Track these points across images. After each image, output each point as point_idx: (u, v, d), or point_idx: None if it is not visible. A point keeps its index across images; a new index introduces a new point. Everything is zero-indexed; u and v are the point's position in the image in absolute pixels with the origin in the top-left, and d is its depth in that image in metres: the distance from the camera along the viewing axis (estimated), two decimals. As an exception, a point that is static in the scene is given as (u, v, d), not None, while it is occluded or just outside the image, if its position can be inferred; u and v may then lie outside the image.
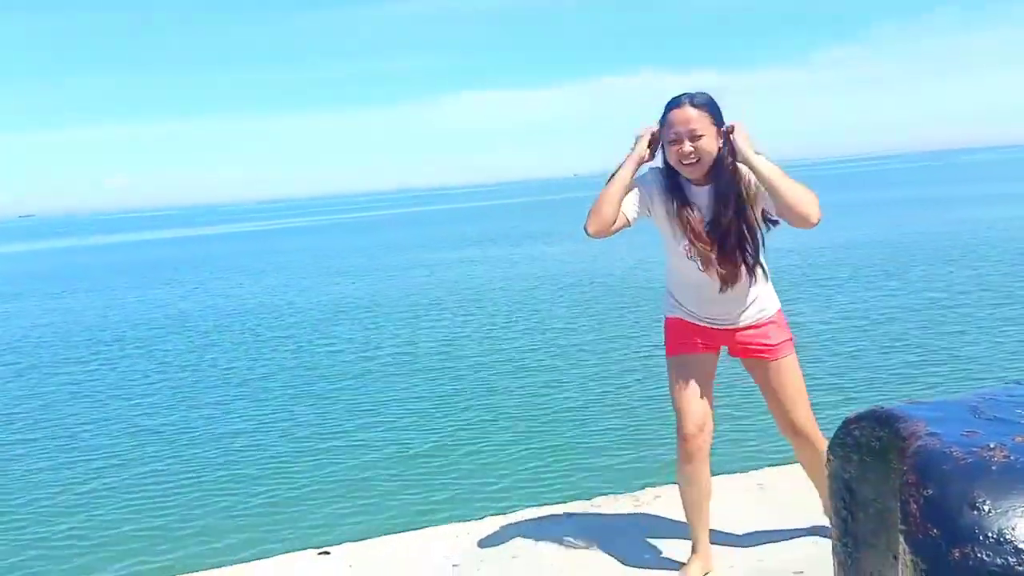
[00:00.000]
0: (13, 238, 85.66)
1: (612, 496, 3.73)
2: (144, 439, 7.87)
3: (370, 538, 3.62)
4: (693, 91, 2.71)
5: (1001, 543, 0.89)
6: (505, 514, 3.65)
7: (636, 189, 2.78)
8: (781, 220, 2.65)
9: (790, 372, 2.85)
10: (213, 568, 3.50)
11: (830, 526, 1.23)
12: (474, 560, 3.17)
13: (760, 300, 2.83)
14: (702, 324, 2.87)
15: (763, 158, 2.60)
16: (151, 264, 31.09)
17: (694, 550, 2.93)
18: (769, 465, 4.08)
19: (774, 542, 3.10)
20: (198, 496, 6.30)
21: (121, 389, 10.05)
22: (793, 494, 3.43)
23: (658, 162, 2.80)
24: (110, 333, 14.35)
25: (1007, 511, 0.91)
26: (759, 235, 2.75)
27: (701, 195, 2.73)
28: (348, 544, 3.51)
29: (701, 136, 2.62)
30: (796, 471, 3.59)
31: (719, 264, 2.72)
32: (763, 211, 2.71)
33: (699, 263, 2.75)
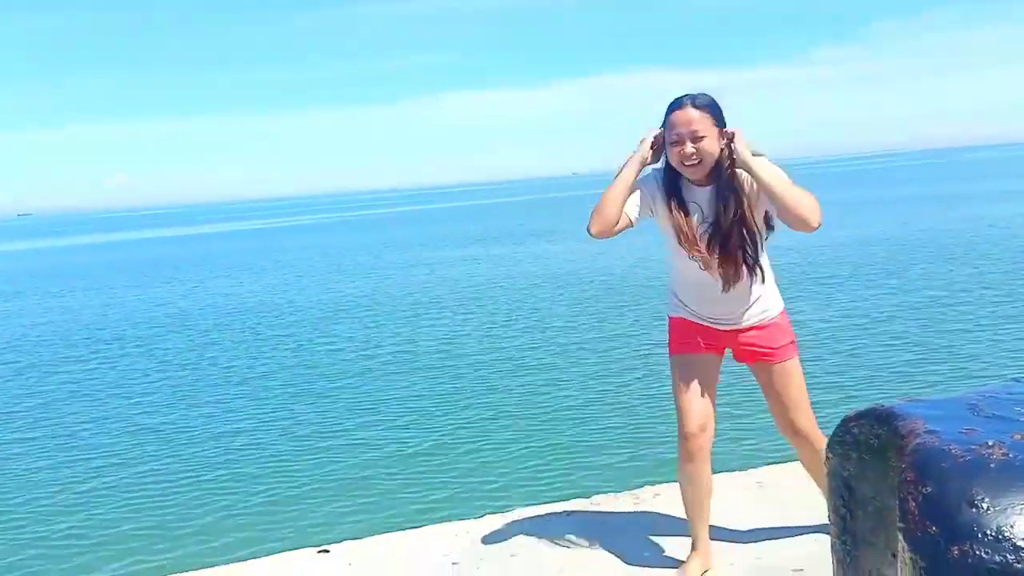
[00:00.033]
0: (12, 237, 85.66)
1: (612, 494, 3.73)
2: (144, 438, 7.87)
3: (369, 536, 3.62)
4: (695, 92, 2.71)
5: (1000, 540, 0.89)
6: (504, 512, 3.65)
7: (639, 190, 2.80)
8: (782, 223, 2.66)
9: (792, 374, 2.85)
10: (213, 566, 3.50)
11: (829, 524, 1.23)
12: (473, 558, 3.17)
13: (763, 300, 2.83)
14: (705, 324, 2.87)
15: (764, 163, 2.60)
16: (151, 263, 31.10)
17: (694, 548, 2.93)
18: (768, 463, 4.08)
19: (773, 540, 3.10)
20: (198, 494, 6.30)
21: (121, 388, 10.05)
22: (793, 492, 3.43)
23: (662, 164, 2.81)
24: (110, 332, 14.35)
25: (1006, 509, 0.91)
26: (760, 235, 2.75)
27: (702, 196, 2.74)
28: (348, 542, 3.51)
29: (703, 137, 2.63)
30: (795, 469, 3.59)
31: (720, 264, 2.72)
32: (766, 213, 2.72)
33: (700, 263, 2.75)
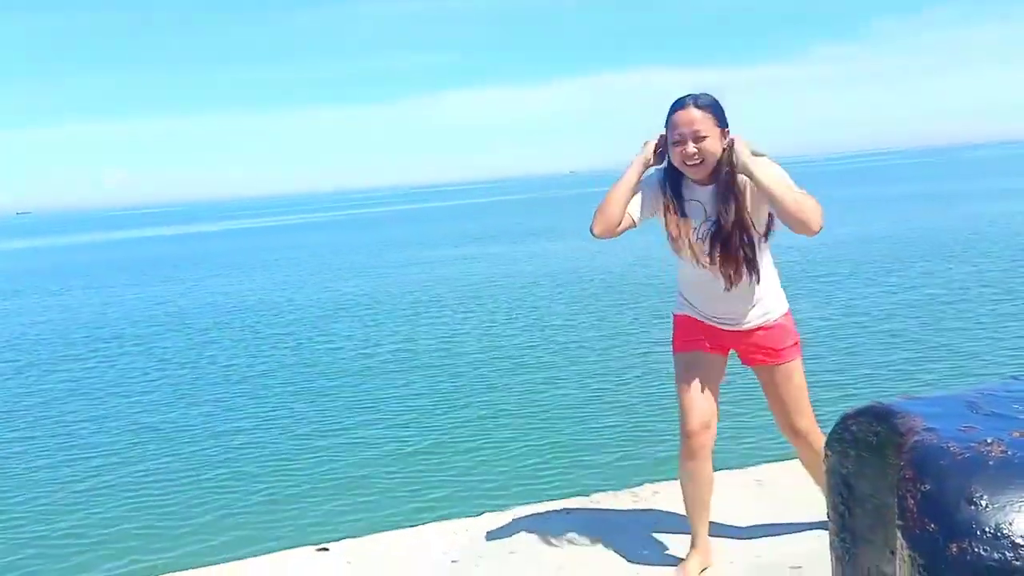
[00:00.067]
0: (11, 235, 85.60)
1: (611, 492, 3.73)
2: (143, 436, 7.87)
3: (368, 534, 3.62)
4: (697, 92, 2.72)
5: (999, 538, 0.89)
6: (504, 510, 3.65)
7: (642, 190, 2.82)
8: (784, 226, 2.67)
9: (794, 375, 2.86)
10: (212, 564, 3.50)
11: (828, 521, 1.23)
12: (472, 556, 3.17)
13: (768, 301, 2.84)
14: (710, 323, 2.87)
15: (764, 169, 2.60)
16: (150, 261, 31.09)
17: (693, 545, 2.94)
18: (767, 461, 4.08)
19: (772, 537, 3.10)
20: (197, 493, 6.31)
21: (120, 386, 10.05)
22: (791, 490, 3.43)
23: (665, 164, 2.83)
24: (109, 330, 14.34)
25: (1004, 506, 0.91)
26: (760, 236, 2.76)
27: (704, 195, 2.75)
28: (347, 540, 3.52)
29: (705, 137, 2.64)
30: (794, 467, 3.59)
31: (721, 264, 2.73)
32: (769, 214, 2.72)
33: (698, 262, 2.76)
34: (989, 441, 0.98)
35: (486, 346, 10.72)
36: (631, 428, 6.96)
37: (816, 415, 2.93)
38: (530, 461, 6.42)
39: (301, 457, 6.91)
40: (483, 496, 5.69)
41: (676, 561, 2.96)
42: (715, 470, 2.98)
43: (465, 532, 3.40)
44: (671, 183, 2.79)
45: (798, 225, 2.55)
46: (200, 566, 3.55)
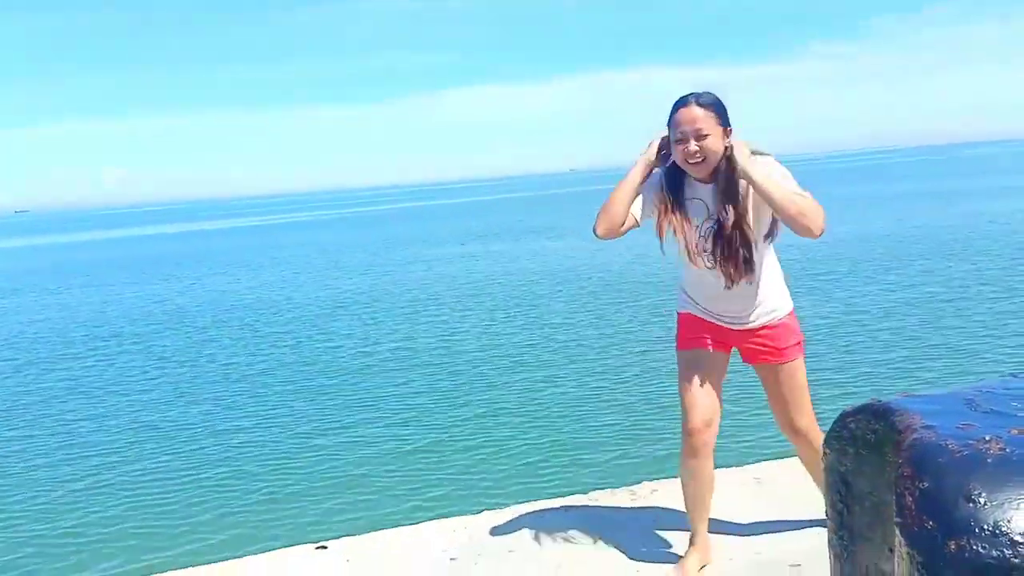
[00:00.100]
0: (9, 234, 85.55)
1: (609, 490, 3.73)
2: (142, 435, 7.87)
3: (367, 532, 3.62)
4: (700, 91, 2.73)
5: (997, 535, 0.89)
6: (503, 508, 3.65)
7: (644, 191, 2.83)
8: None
9: (796, 374, 2.87)
10: (211, 563, 3.50)
11: (827, 519, 1.23)
12: (471, 554, 3.17)
13: (772, 300, 2.84)
14: (713, 321, 2.88)
15: (764, 175, 2.60)
16: (149, 259, 31.08)
17: (692, 543, 2.94)
18: (766, 459, 4.08)
19: (771, 535, 3.10)
20: (196, 491, 6.31)
21: (119, 385, 10.04)
22: (790, 487, 3.43)
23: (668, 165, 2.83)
24: (108, 329, 14.34)
25: (1003, 504, 0.91)
26: (759, 235, 2.76)
27: (706, 193, 2.76)
28: (345, 538, 3.52)
29: (707, 135, 2.65)
30: (793, 465, 3.59)
31: (722, 262, 2.73)
32: (773, 216, 2.73)
33: (707, 260, 2.77)
34: (987, 439, 0.98)
35: (485, 344, 10.72)
36: (629, 426, 6.96)
37: (815, 413, 2.93)
38: (529, 459, 6.42)
39: (300, 455, 6.91)
40: (482, 494, 5.69)
41: (675, 559, 2.96)
42: (714, 468, 2.98)
43: (464, 530, 3.40)
44: (675, 182, 2.80)
45: (800, 229, 2.57)
46: (199, 564, 3.55)
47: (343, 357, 10.59)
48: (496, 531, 3.34)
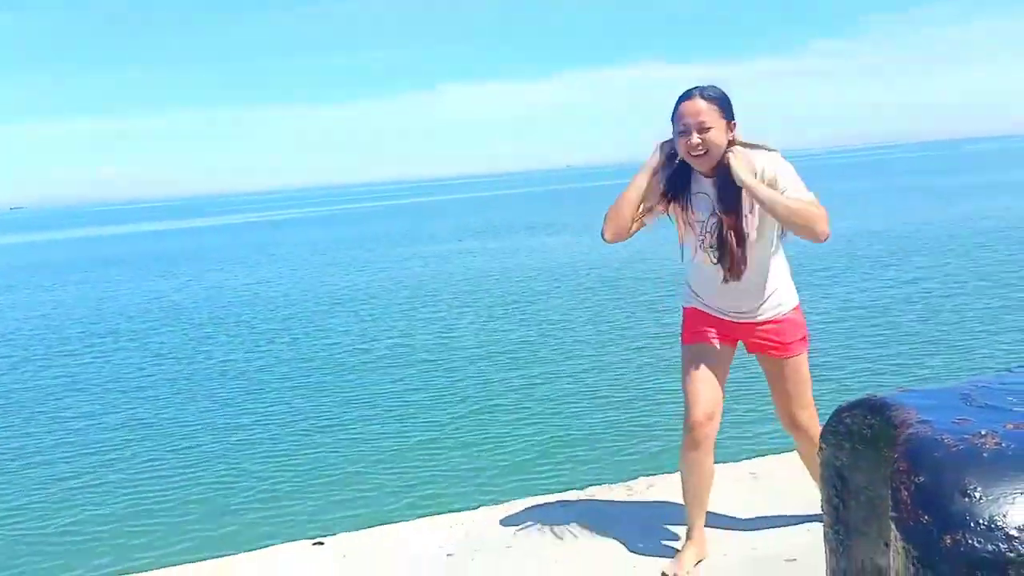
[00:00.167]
0: (4, 230, 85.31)
1: (606, 485, 3.73)
2: (138, 432, 7.86)
3: (364, 528, 3.62)
4: (704, 84, 2.74)
5: (992, 530, 0.89)
6: (500, 504, 3.65)
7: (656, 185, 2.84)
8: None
9: (799, 369, 2.88)
10: (208, 558, 3.50)
11: (823, 514, 1.23)
12: (468, 550, 3.17)
13: (777, 294, 2.85)
14: (718, 315, 2.89)
15: (766, 193, 2.60)
16: (145, 256, 31.02)
17: (689, 537, 2.94)
18: (762, 454, 4.09)
19: (767, 529, 3.11)
20: (192, 488, 6.30)
21: (115, 382, 10.03)
22: (786, 482, 3.44)
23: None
24: (104, 325, 14.31)
25: (998, 498, 0.91)
26: (780, 233, 2.77)
27: (709, 187, 2.76)
28: (342, 534, 3.51)
29: (709, 128, 2.66)
30: (788, 460, 3.60)
31: (720, 257, 2.74)
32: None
33: (711, 255, 2.77)
34: (983, 433, 0.98)
35: (482, 341, 10.72)
36: (626, 422, 6.97)
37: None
38: (526, 455, 6.43)
39: (297, 451, 6.91)
40: (479, 490, 5.70)
41: (671, 553, 2.97)
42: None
43: (461, 526, 3.40)
44: (682, 176, 2.80)
45: (805, 235, 2.61)
46: (196, 560, 3.55)
47: (340, 353, 10.59)
48: (493, 527, 3.34)
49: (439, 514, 3.70)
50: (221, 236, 42.29)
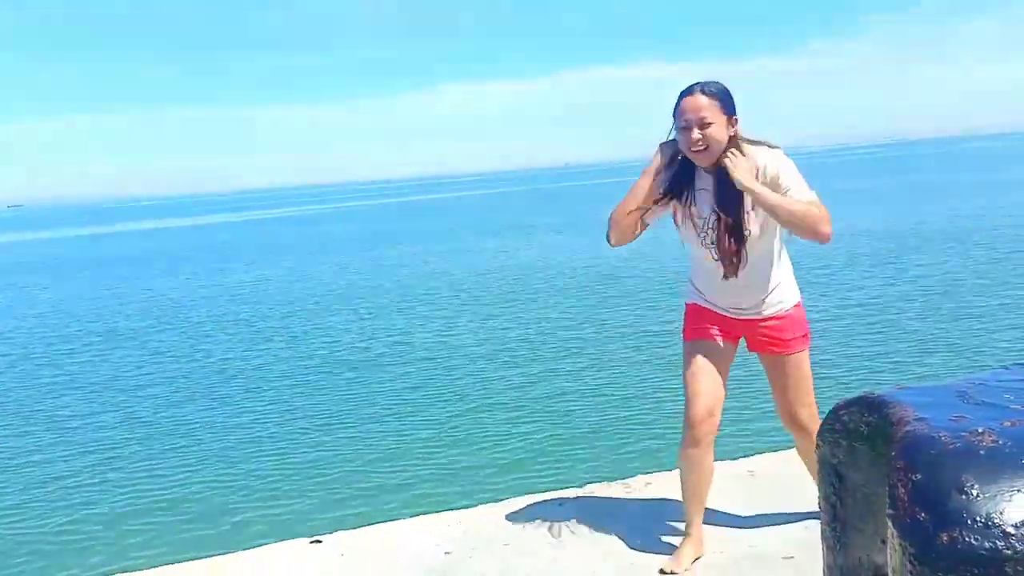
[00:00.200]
0: (3, 228, 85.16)
1: (604, 483, 3.73)
2: (137, 430, 7.86)
3: (362, 526, 3.62)
4: (706, 80, 2.74)
5: (989, 527, 0.89)
6: (497, 502, 3.65)
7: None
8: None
9: (800, 367, 2.88)
10: (205, 557, 3.49)
11: (820, 511, 1.23)
12: (466, 548, 3.17)
13: (779, 291, 2.85)
14: (720, 312, 2.89)
15: (768, 198, 2.61)
16: (143, 254, 30.98)
17: (687, 534, 2.94)
18: (759, 452, 4.09)
19: (765, 527, 3.11)
20: (190, 486, 6.30)
21: (113, 381, 10.02)
22: (783, 480, 3.44)
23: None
24: (102, 324, 14.30)
25: (995, 495, 0.91)
26: (773, 227, 2.77)
27: (709, 182, 2.76)
28: (340, 532, 3.51)
29: (710, 124, 2.66)
30: (785, 458, 3.60)
31: (719, 253, 2.75)
32: None
33: (711, 252, 2.78)
34: (980, 431, 0.98)
35: (479, 339, 10.72)
36: (623, 420, 6.97)
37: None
38: (523, 453, 6.43)
39: (295, 450, 6.91)
40: (477, 488, 5.70)
41: (669, 550, 2.97)
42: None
43: (459, 524, 3.40)
44: (686, 172, 2.80)
45: (806, 236, 2.63)
46: (194, 558, 3.55)
47: (338, 352, 10.59)
48: (491, 525, 3.34)
49: (437, 512, 3.70)
50: (219, 234, 42.25)
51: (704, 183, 2.79)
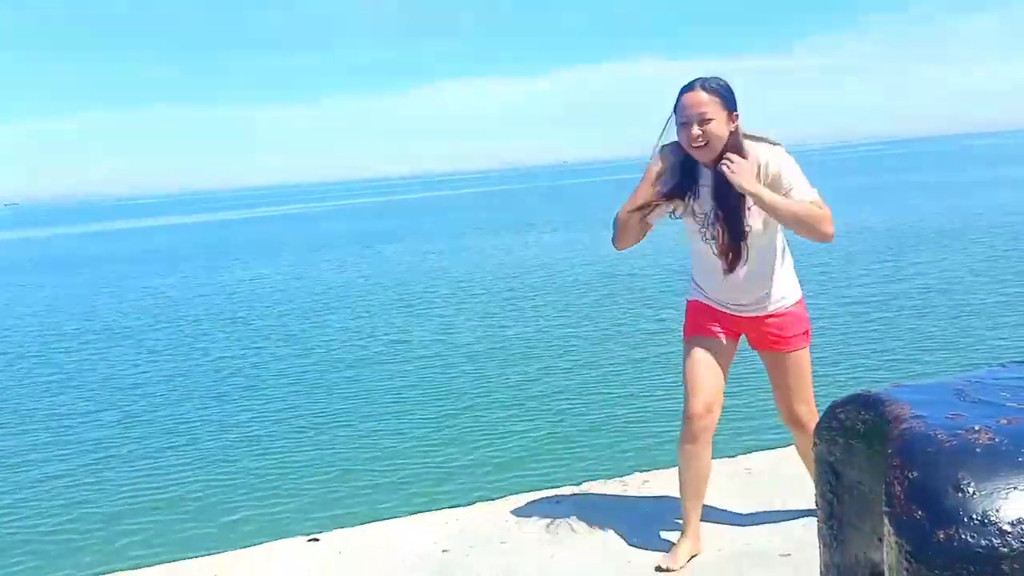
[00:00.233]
0: (0, 227, 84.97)
1: (601, 481, 3.74)
2: (134, 429, 7.85)
3: (359, 524, 3.62)
4: (707, 76, 2.74)
5: (985, 525, 0.89)
6: (494, 500, 3.66)
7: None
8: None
9: (801, 364, 2.89)
10: (202, 555, 3.49)
11: (817, 509, 1.23)
12: (463, 546, 3.17)
13: (780, 288, 2.86)
14: (722, 309, 2.89)
15: (771, 200, 2.62)
16: (140, 252, 30.93)
17: (684, 532, 2.94)
18: (756, 449, 4.09)
19: (761, 525, 3.11)
20: (188, 484, 6.29)
21: (111, 379, 10.01)
22: (780, 478, 3.45)
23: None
24: (99, 322, 14.27)
25: (991, 493, 0.91)
26: (775, 224, 2.77)
27: (709, 177, 2.76)
28: (337, 531, 3.51)
29: (710, 120, 2.66)
30: (782, 455, 3.61)
31: (720, 248, 2.75)
32: None
33: (713, 247, 2.79)
34: (976, 429, 0.99)
35: (477, 337, 10.72)
36: (620, 418, 6.98)
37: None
38: (521, 451, 6.43)
39: (292, 448, 6.91)
40: (474, 486, 5.70)
41: (666, 547, 2.97)
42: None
43: (456, 522, 3.40)
44: (689, 168, 2.80)
45: (809, 236, 2.65)
46: (191, 557, 3.54)
47: (336, 350, 10.58)
48: (488, 522, 3.34)
49: (434, 510, 3.70)
50: (218, 232, 42.20)
51: (705, 179, 2.79)
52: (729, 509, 3.25)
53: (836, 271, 13.48)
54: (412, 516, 3.62)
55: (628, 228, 2.83)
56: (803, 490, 3.05)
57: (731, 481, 3.52)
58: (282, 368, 9.79)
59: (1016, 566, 0.88)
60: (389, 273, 18.28)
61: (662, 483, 3.50)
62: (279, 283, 17.88)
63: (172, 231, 47.07)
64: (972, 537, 0.89)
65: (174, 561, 3.54)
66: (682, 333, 3.02)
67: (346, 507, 5.57)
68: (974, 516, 0.90)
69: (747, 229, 2.75)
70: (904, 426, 1.02)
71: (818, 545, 1.22)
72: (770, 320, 2.86)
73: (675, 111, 2.74)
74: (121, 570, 3.45)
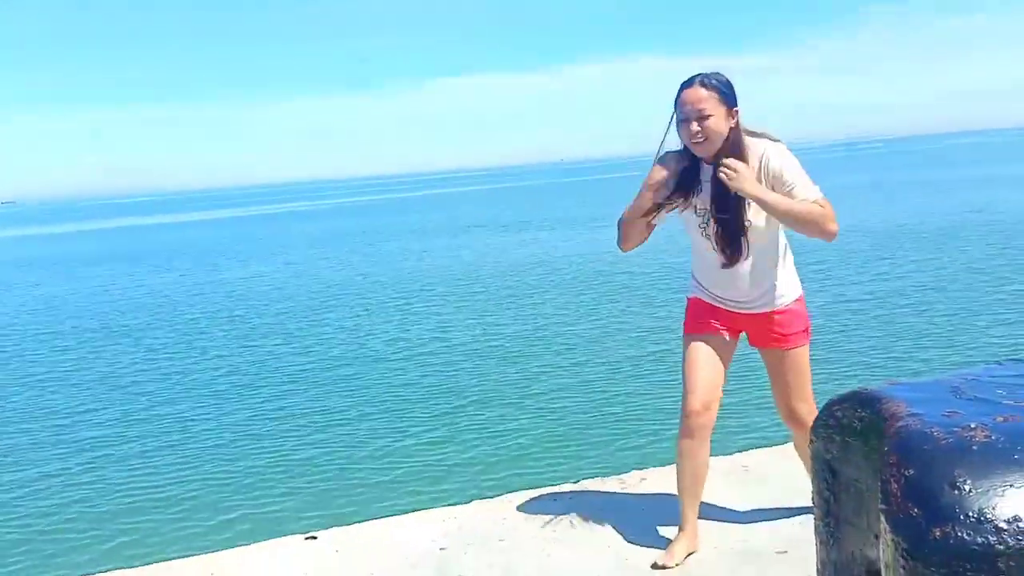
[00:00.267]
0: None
1: (598, 478, 3.74)
2: (132, 427, 7.84)
3: (357, 523, 3.62)
4: (708, 72, 2.73)
5: (982, 522, 0.89)
6: (492, 498, 3.66)
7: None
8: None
9: (800, 361, 2.89)
10: (200, 553, 3.49)
11: (813, 506, 1.23)
12: (461, 544, 3.17)
13: (780, 285, 2.86)
14: (722, 306, 2.90)
15: (772, 199, 2.62)
16: (138, 251, 30.89)
17: (681, 529, 2.94)
18: (753, 447, 4.10)
19: (758, 522, 3.12)
20: (185, 482, 6.29)
21: (108, 377, 10.00)
22: (777, 475, 3.45)
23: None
24: (97, 321, 14.26)
25: (988, 491, 0.91)
26: (775, 221, 2.77)
27: (709, 172, 2.76)
28: (335, 529, 3.51)
29: (709, 116, 2.66)
30: (780, 453, 3.61)
31: (718, 243, 2.75)
32: None
33: (713, 241, 2.79)
34: (973, 426, 0.99)
35: (475, 335, 10.72)
36: (618, 415, 6.98)
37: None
38: (518, 448, 6.44)
39: (290, 446, 6.90)
40: (472, 484, 5.71)
41: (663, 545, 2.97)
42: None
43: (454, 519, 3.40)
44: (691, 168, 2.80)
45: (814, 235, 2.65)
46: (188, 555, 3.54)
47: (334, 349, 10.57)
48: (486, 520, 3.34)
49: (432, 508, 3.70)
50: (217, 230, 42.15)
51: (705, 174, 2.79)
52: (726, 506, 3.25)
53: (833, 269, 13.49)
54: (410, 514, 3.62)
55: (632, 231, 2.84)
56: (800, 487, 3.05)
57: (728, 478, 3.53)
58: (279, 366, 9.79)
59: (1012, 563, 0.88)
60: (384, 272, 18.27)
61: (660, 480, 3.50)
62: (276, 281, 17.87)
63: (169, 230, 47.00)
64: (968, 534, 0.89)
65: (171, 559, 3.53)
66: (682, 330, 3.02)
67: (344, 505, 5.57)
68: (970, 514, 0.90)
69: (747, 224, 2.75)
70: (900, 424, 1.02)
71: (815, 542, 1.22)
72: (771, 317, 2.86)
73: (675, 107, 2.74)
74: (118, 568, 3.45)
